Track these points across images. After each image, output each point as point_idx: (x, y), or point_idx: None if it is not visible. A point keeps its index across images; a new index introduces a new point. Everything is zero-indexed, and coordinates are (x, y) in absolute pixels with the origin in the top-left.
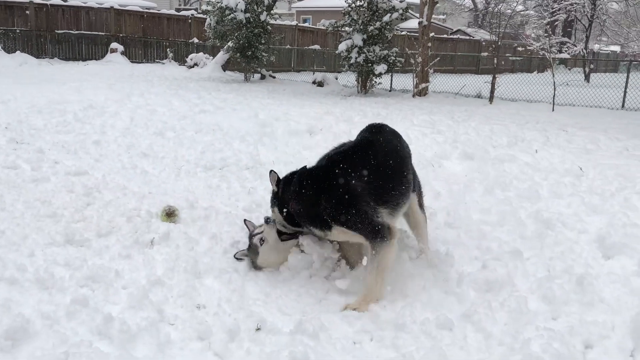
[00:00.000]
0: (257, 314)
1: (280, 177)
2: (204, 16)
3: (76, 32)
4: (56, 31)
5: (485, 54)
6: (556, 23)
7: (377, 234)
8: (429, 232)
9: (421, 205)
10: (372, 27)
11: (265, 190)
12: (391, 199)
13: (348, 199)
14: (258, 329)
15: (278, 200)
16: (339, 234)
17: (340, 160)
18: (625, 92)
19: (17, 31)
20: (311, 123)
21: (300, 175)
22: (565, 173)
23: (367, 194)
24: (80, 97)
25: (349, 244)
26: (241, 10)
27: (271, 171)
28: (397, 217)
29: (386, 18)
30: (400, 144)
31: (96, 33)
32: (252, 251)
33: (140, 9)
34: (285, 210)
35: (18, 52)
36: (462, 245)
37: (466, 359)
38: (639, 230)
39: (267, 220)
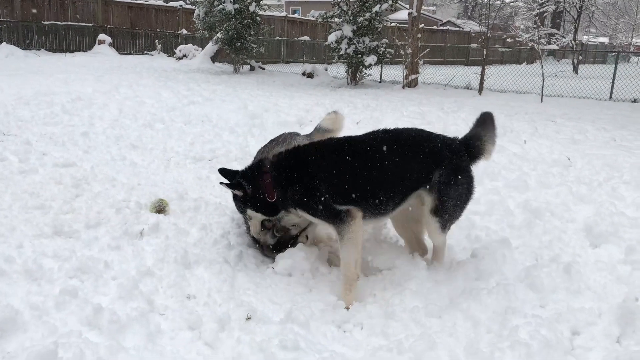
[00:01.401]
0: (247, 304)
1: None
2: (193, 7)
3: (63, 23)
4: (43, 22)
5: (475, 45)
6: (545, 14)
7: (336, 218)
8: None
9: (442, 223)
10: (361, 18)
11: None
12: (362, 196)
13: (306, 188)
14: (248, 319)
15: (254, 199)
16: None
17: (307, 150)
18: (613, 83)
19: (3, 22)
20: (301, 114)
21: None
22: (554, 163)
23: (327, 186)
24: (68, 88)
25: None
26: (230, 1)
27: (221, 183)
28: (370, 215)
29: (376, 9)
30: (405, 153)
31: (83, 24)
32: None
33: (128, 0)
34: (260, 204)
35: (4, 43)
36: (451, 235)
37: (455, 346)
38: (625, 219)
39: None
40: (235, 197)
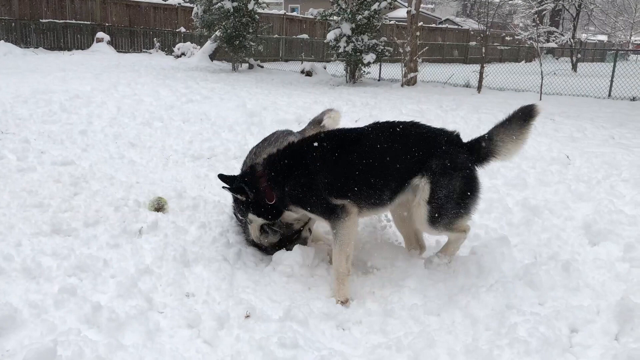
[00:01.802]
0: (246, 302)
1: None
2: (191, 5)
3: (61, 21)
4: (41, 20)
5: (474, 43)
6: (544, 12)
7: (332, 213)
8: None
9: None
10: (360, 16)
11: None
12: (353, 190)
13: (303, 184)
14: (247, 316)
15: (256, 203)
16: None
17: (301, 147)
18: (611, 81)
19: (1, 20)
20: (299, 112)
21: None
22: (552, 161)
23: (322, 181)
24: (66, 86)
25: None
26: None
27: (223, 187)
28: (366, 206)
29: (374, 7)
30: (399, 146)
31: (82, 22)
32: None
33: None
34: (262, 208)
35: (2, 41)
36: None
37: (454, 344)
38: (624, 217)
39: None
40: (236, 201)
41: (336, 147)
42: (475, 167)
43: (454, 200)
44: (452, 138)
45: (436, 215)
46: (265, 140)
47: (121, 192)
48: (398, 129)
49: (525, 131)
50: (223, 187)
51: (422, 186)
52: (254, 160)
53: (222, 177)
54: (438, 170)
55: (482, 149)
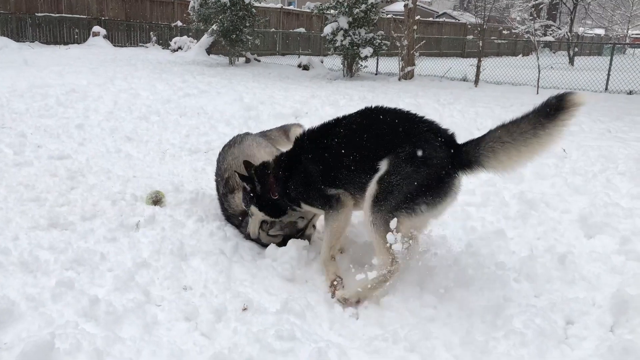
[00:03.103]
0: (243, 295)
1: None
2: None
3: (57, 15)
4: (36, 14)
5: (471, 37)
6: (541, 6)
7: (326, 204)
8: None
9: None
10: (357, 10)
11: None
12: (341, 180)
13: (301, 179)
14: (245, 309)
15: (258, 197)
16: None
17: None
18: (608, 75)
19: None
20: (297, 107)
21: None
22: (549, 154)
23: (316, 175)
24: (63, 81)
25: None
26: None
27: (234, 172)
28: (357, 193)
29: (371, 0)
30: (376, 134)
31: (78, 16)
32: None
33: None
34: (265, 204)
35: None
36: (447, 226)
37: (450, 336)
38: (620, 210)
39: None
40: (244, 190)
41: (320, 136)
42: (457, 172)
43: (401, 191)
44: (431, 131)
45: (379, 198)
46: (226, 145)
47: (118, 186)
48: (377, 115)
49: (543, 137)
50: (234, 171)
51: (381, 167)
52: (222, 163)
53: (246, 163)
54: (402, 156)
55: (463, 155)
